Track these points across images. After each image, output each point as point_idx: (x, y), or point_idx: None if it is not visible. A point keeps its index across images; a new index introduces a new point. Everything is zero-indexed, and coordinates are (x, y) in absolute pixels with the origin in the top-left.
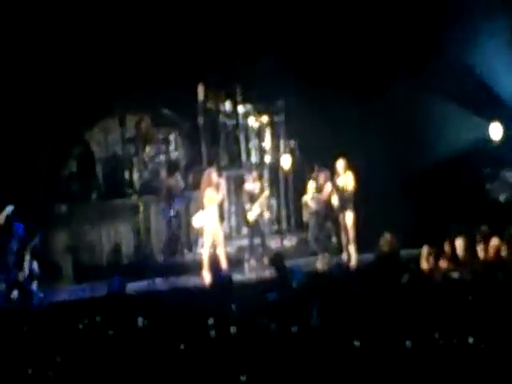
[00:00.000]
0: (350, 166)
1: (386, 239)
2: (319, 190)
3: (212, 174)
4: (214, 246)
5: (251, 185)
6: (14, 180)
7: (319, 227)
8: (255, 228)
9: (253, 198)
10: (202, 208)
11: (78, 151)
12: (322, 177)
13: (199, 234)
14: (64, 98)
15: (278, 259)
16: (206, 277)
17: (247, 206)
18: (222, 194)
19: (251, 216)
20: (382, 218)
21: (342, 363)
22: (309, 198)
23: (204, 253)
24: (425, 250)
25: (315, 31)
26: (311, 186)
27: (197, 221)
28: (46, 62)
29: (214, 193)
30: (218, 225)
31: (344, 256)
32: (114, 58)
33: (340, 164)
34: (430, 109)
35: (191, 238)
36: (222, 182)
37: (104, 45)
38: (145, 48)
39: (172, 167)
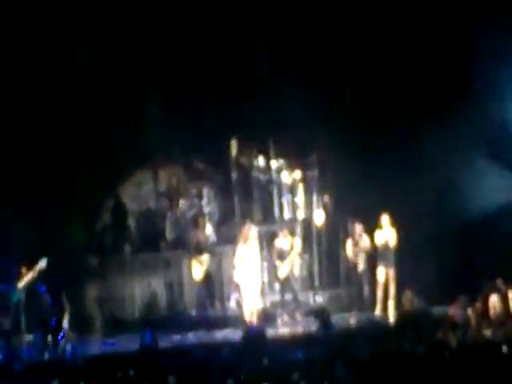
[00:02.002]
0: (393, 221)
1: (407, 297)
2: (356, 243)
3: (250, 229)
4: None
5: (282, 241)
6: (49, 233)
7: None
8: (286, 284)
9: (283, 255)
10: (241, 262)
11: (111, 204)
12: (357, 229)
13: (235, 288)
14: (98, 151)
15: (324, 313)
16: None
17: (277, 263)
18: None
19: (282, 273)
20: (414, 273)
21: None
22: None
23: (245, 307)
24: (461, 302)
25: (347, 86)
26: (349, 242)
27: (238, 275)
28: (85, 117)
29: (250, 248)
30: (254, 280)
31: (377, 312)
32: (149, 110)
33: (385, 219)
34: (465, 164)
35: (224, 293)
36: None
37: (138, 97)
38: (179, 102)
39: (201, 220)
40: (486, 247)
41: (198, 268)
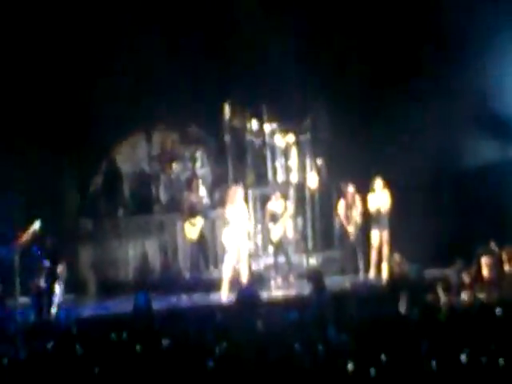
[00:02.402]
0: (387, 184)
1: (395, 260)
2: (349, 206)
3: (237, 192)
4: (237, 263)
5: (274, 204)
6: (42, 196)
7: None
8: (279, 247)
9: (275, 218)
10: (229, 225)
11: (104, 167)
12: (349, 191)
13: (225, 251)
14: (91, 113)
15: (317, 275)
16: (227, 294)
17: (270, 225)
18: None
19: (274, 235)
20: (408, 236)
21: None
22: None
23: (225, 270)
24: (457, 265)
25: (342, 47)
26: (341, 204)
27: (225, 238)
28: (75, 76)
29: (238, 210)
30: (243, 242)
31: (371, 275)
32: (142, 74)
33: (378, 182)
34: (458, 124)
35: (217, 255)
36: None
37: (132, 60)
38: (172, 65)
39: (194, 183)
40: (481, 209)
41: (192, 230)
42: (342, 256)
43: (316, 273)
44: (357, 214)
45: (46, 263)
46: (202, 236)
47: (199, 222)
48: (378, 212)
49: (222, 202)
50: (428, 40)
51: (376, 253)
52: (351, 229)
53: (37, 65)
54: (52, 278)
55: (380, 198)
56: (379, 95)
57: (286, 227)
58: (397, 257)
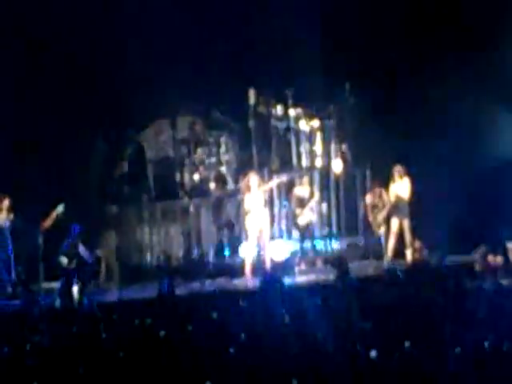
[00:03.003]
0: (407, 172)
1: (415, 247)
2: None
3: (251, 178)
4: (261, 249)
5: (301, 189)
6: (66, 180)
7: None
8: (305, 232)
9: (302, 203)
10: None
11: (129, 152)
12: (376, 191)
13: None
14: (117, 99)
15: (342, 261)
16: (251, 279)
17: (297, 211)
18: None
19: (302, 220)
20: (431, 223)
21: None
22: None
23: (249, 255)
24: (481, 250)
25: (368, 34)
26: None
27: (247, 224)
28: (100, 63)
29: (256, 196)
30: (265, 228)
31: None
32: (168, 59)
33: (397, 170)
34: (488, 114)
35: (242, 240)
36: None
37: (157, 47)
38: (197, 51)
39: (221, 179)
40: (506, 196)
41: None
42: (365, 242)
43: (340, 258)
44: (383, 213)
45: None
46: (229, 221)
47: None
48: (399, 200)
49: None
50: (455, 24)
51: (396, 240)
52: (375, 224)
53: (68, 49)
54: (78, 263)
55: (400, 185)
56: (405, 81)
57: (312, 212)
58: (417, 243)
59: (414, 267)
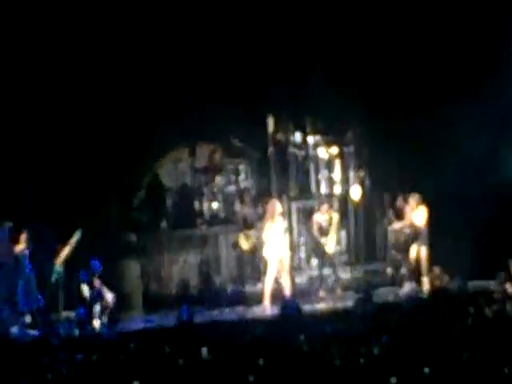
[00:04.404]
0: (424, 200)
1: (435, 273)
2: (399, 215)
3: (275, 205)
4: (279, 276)
5: (321, 216)
6: (85, 208)
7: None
8: (328, 259)
9: (322, 230)
10: (270, 238)
11: (148, 181)
12: (400, 201)
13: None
14: (135, 128)
15: (367, 287)
16: (269, 307)
17: (322, 239)
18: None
19: (327, 247)
20: (450, 249)
21: None
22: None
23: (268, 283)
24: (500, 277)
25: (387, 61)
26: (390, 213)
27: (267, 251)
28: (120, 93)
29: (277, 223)
30: (285, 255)
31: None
32: (186, 88)
33: (414, 199)
34: (501, 138)
35: (260, 268)
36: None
37: (175, 75)
38: (216, 79)
39: (245, 196)
40: None
41: (245, 242)
42: (384, 268)
43: (366, 284)
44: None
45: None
46: (254, 248)
47: (253, 234)
48: (416, 227)
49: (262, 215)
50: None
51: (414, 267)
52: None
53: (86, 83)
54: (98, 293)
55: (417, 214)
56: (422, 108)
57: (332, 239)
58: (437, 270)
59: (433, 294)
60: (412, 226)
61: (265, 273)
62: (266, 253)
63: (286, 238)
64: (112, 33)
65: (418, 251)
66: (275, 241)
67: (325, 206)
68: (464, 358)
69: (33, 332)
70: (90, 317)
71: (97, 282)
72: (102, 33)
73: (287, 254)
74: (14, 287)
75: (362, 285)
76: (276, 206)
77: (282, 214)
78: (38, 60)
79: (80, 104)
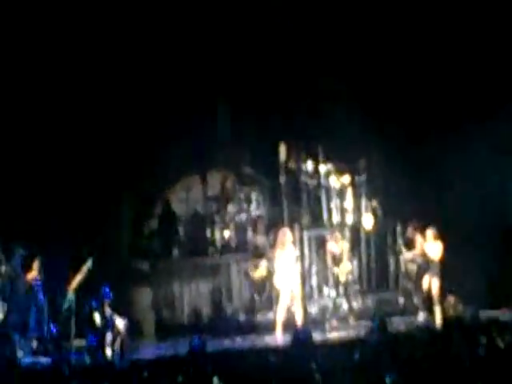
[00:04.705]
0: (440, 234)
1: (449, 302)
2: (410, 245)
3: (286, 234)
4: (291, 305)
5: (334, 245)
6: (97, 236)
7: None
8: (344, 288)
9: (335, 259)
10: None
11: (159, 209)
12: (410, 231)
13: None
14: (146, 156)
15: (382, 317)
16: (281, 336)
17: (336, 269)
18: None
19: (340, 276)
20: (462, 278)
21: None
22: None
23: (279, 311)
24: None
25: (400, 89)
26: (400, 243)
27: (278, 279)
28: (129, 119)
29: (288, 252)
30: (296, 284)
31: (422, 317)
32: (198, 114)
33: (430, 232)
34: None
35: (273, 297)
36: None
37: (188, 102)
38: (229, 106)
39: (258, 224)
40: None
41: (255, 271)
42: (396, 298)
43: (381, 314)
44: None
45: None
46: (266, 277)
47: (264, 263)
48: (430, 260)
49: (273, 244)
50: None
51: (426, 297)
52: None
53: (96, 107)
54: (109, 322)
55: (433, 247)
56: (435, 138)
57: (345, 268)
58: (451, 299)
59: (447, 323)
60: (425, 256)
61: (277, 301)
62: (277, 281)
63: (298, 266)
64: (126, 56)
65: (430, 282)
66: (286, 269)
67: (338, 235)
68: None
69: (43, 359)
70: (101, 345)
71: (107, 310)
72: (114, 55)
73: (298, 282)
74: (26, 314)
75: (374, 314)
76: (286, 235)
77: (293, 243)
78: (62, 91)
79: (93, 130)
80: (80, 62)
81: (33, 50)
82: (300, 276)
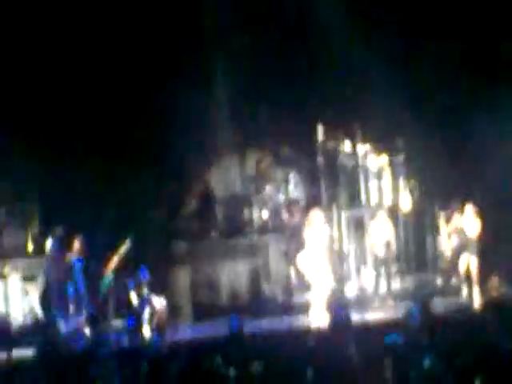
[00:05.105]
0: (478, 212)
1: (493, 283)
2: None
3: (316, 214)
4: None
5: (378, 225)
6: (136, 217)
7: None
8: (383, 268)
9: (377, 240)
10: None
11: (198, 189)
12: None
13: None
14: (185, 136)
15: (426, 298)
16: (319, 317)
17: (375, 250)
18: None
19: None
20: (500, 260)
21: None
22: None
23: (317, 293)
24: None
25: (433, 67)
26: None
27: (300, 261)
28: (166, 98)
29: (317, 233)
30: (325, 265)
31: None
32: (237, 95)
33: (469, 210)
34: None
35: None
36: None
37: (226, 82)
38: (266, 87)
39: (293, 206)
40: None
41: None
42: (434, 279)
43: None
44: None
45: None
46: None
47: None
48: (468, 238)
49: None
50: None
51: (465, 277)
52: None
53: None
54: (146, 301)
55: (471, 224)
56: (473, 116)
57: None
58: (495, 280)
59: (491, 305)
60: (462, 234)
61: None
62: (306, 262)
63: (331, 247)
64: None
65: (469, 261)
66: (317, 250)
67: (383, 215)
68: None
69: (82, 341)
70: (138, 326)
71: (145, 291)
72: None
73: (333, 263)
74: (65, 295)
75: (417, 296)
76: (317, 215)
77: (328, 223)
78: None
79: (132, 108)
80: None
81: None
82: (337, 257)
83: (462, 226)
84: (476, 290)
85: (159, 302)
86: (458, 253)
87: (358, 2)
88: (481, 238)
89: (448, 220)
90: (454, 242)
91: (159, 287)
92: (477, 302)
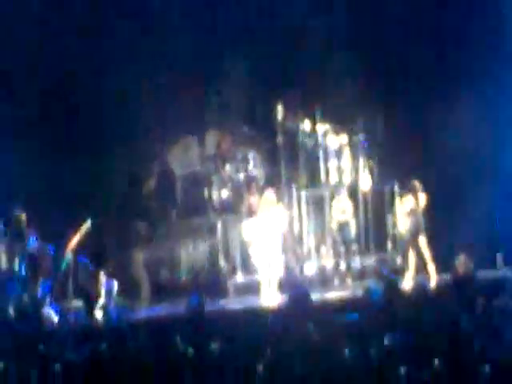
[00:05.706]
0: (423, 188)
1: (460, 261)
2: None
3: (269, 194)
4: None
5: (339, 204)
6: (93, 197)
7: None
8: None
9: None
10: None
11: (157, 169)
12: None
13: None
14: (144, 115)
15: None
16: (278, 296)
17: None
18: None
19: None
20: (453, 238)
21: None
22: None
23: (274, 272)
24: None
25: (396, 47)
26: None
27: (246, 234)
28: (126, 79)
29: (272, 212)
30: (282, 245)
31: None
32: (196, 74)
33: (414, 185)
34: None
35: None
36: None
37: (185, 62)
38: (225, 66)
39: (252, 184)
40: None
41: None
42: (393, 258)
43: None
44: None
45: (91, 266)
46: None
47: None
48: (417, 215)
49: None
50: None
51: (421, 257)
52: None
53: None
54: (96, 280)
55: (415, 201)
56: (434, 97)
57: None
58: (462, 257)
59: (458, 282)
60: (413, 213)
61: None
62: (261, 242)
63: (287, 226)
64: None
65: (420, 240)
66: (273, 229)
67: (344, 193)
68: (476, 350)
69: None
70: (90, 306)
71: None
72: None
73: (292, 242)
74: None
75: (380, 273)
76: (270, 195)
77: (282, 203)
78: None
79: (95, 90)
80: None
81: None
82: (297, 236)
83: (416, 206)
84: (431, 267)
85: (107, 283)
86: (414, 232)
87: None
88: (430, 217)
89: (403, 200)
90: (409, 221)
91: (119, 267)
92: (436, 280)
